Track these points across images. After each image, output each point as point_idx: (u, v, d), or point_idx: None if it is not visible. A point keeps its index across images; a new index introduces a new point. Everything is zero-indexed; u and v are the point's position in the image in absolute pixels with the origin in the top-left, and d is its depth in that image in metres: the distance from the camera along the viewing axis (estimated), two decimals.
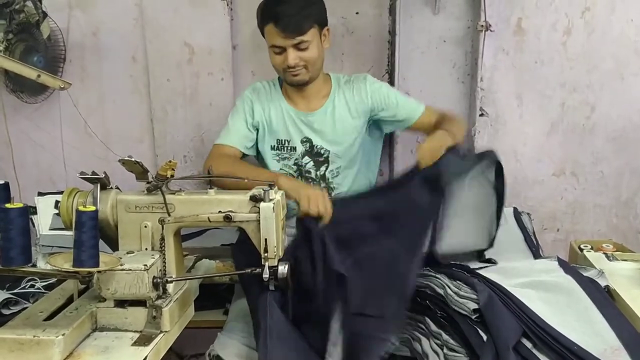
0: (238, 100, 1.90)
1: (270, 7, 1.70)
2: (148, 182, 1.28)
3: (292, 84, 1.80)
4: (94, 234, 1.10)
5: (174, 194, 1.31)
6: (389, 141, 2.16)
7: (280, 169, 1.86)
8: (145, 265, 1.20)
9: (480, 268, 1.46)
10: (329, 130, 1.83)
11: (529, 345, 1.21)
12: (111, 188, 1.32)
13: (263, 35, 1.77)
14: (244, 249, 1.48)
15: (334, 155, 1.85)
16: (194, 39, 2.10)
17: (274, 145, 1.86)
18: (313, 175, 1.86)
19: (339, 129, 1.83)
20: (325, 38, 1.77)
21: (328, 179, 1.87)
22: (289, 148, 1.86)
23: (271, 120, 1.84)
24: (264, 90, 1.88)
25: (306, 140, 1.85)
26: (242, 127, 1.84)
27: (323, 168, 1.86)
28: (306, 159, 1.86)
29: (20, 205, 1.08)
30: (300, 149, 1.85)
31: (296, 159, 1.86)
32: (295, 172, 1.87)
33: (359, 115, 1.84)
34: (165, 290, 1.26)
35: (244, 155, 1.84)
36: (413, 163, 1.57)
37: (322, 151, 1.84)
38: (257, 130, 1.86)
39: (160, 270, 1.26)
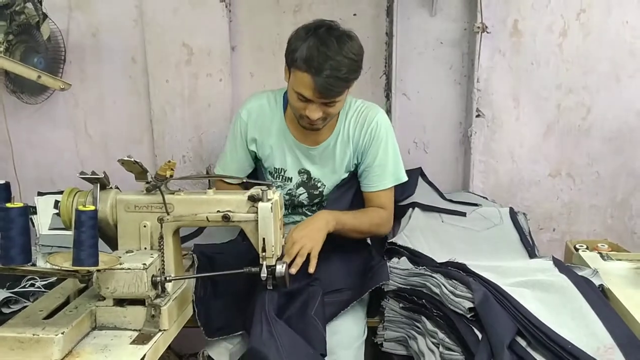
0: (234, 121, 1.76)
1: (314, 57, 1.45)
2: (147, 182, 1.30)
3: (305, 128, 1.63)
4: (93, 233, 1.11)
5: (173, 193, 1.32)
6: None
7: None
8: (144, 264, 1.21)
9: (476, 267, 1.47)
10: (329, 164, 1.73)
11: (523, 343, 1.22)
12: (111, 188, 1.33)
13: (288, 69, 1.55)
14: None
15: (330, 187, 1.75)
16: (193, 40, 2.10)
17: (271, 172, 1.76)
18: (306, 204, 1.79)
19: (339, 163, 1.72)
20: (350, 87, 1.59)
21: (323, 205, 1.78)
22: (284, 177, 1.75)
23: (269, 148, 1.72)
24: (265, 111, 1.72)
25: (304, 172, 1.74)
26: (241, 156, 1.76)
27: (317, 200, 1.78)
28: (301, 189, 1.76)
29: (21, 204, 1.09)
30: (297, 179, 1.75)
31: (290, 189, 1.76)
32: (287, 201, 1.78)
33: (357, 150, 1.72)
34: (164, 289, 1.27)
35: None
36: None
37: (319, 184, 1.75)
38: (255, 152, 1.77)
39: (159, 269, 1.27)
